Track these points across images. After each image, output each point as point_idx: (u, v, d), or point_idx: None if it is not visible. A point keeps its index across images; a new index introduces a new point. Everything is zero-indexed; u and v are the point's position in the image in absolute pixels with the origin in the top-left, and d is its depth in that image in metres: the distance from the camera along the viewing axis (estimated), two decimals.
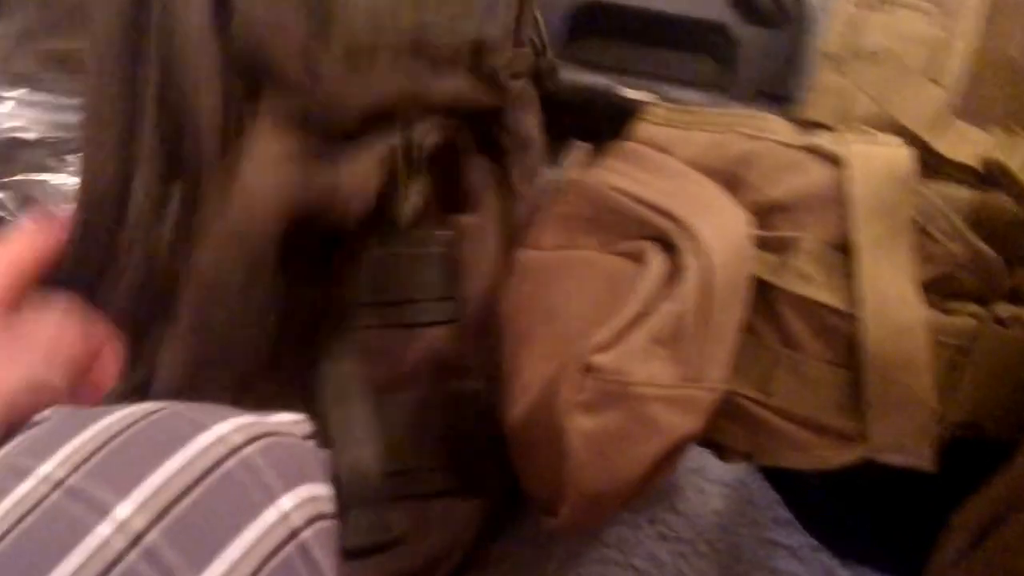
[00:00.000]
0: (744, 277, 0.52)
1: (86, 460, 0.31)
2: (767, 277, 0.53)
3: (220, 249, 0.47)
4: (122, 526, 0.29)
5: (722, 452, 0.56)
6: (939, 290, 0.53)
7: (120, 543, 0.29)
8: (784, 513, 0.77)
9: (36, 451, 0.32)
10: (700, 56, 0.70)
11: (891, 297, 0.51)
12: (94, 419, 0.33)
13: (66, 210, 0.47)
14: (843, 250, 0.53)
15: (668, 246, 0.53)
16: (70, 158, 0.57)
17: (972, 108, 0.55)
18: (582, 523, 0.53)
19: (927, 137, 0.55)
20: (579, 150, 0.65)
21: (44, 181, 0.57)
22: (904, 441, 0.51)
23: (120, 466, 0.31)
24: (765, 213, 0.55)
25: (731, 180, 0.56)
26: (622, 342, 0.50)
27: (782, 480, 0.71)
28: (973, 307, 0.53)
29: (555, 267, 0.57)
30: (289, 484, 0.33)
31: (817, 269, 0.53)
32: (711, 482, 0.81)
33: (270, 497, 0.33)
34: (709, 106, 0.61)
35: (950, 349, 0.52)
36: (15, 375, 0.40)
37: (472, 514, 0.59)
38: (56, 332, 0.43)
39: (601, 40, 0.71)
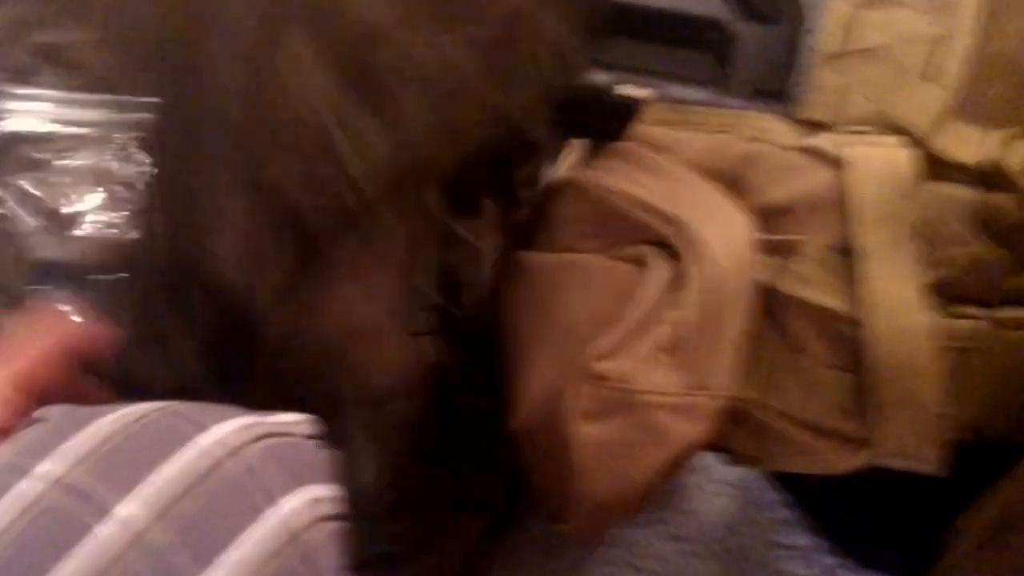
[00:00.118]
0: (748, 283, 0.52)
1: (86, 458, 0.31)
2: (769, 281, 0.53)
3: None
4: (122, 525, 0.29)
5: (730, 457, 0.56)
6: (942, 293, 0.53)
7: (120, 542, 0.29)
8: (789, 514, 0.78)
9: (35, 450, 0.31)
10: (697, 52, 0.69)
11: (896, 301, 0.51)
12: (94, 417, 0.33)
13: None
14: (845, 253, 0.53)
15: (671, 251, 0.53)
16: (66, 154, 0.56)
17: (972, 108, 0.55)
18: (591, 530, 0.53)
19: (926, 137, 0.55)
20: (578, 149, 0.64)
21: (41, 177, 0.56)
22: (909, 445, 0.51)
23: (121, 464, 0.31)
24: (766, 216, 0.54)
25: (731, 182, 0.56)
26: (626, 349, 0.50)
27: (788, 481, 0.71)
28: (976, 310, 0.53)
29: (556, 272, 0.56)
30: (290, 486, 0.33)
31: (819, 272, 0.53)
32: (716, 483, 0.81)
33: (270, 499, 0.32)
34: (707, 103, 0.61)
35: (954, 353, 0.52)
36: None
37: (473, 526, 0.59)
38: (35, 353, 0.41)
39: (599, 36, 0.71)
